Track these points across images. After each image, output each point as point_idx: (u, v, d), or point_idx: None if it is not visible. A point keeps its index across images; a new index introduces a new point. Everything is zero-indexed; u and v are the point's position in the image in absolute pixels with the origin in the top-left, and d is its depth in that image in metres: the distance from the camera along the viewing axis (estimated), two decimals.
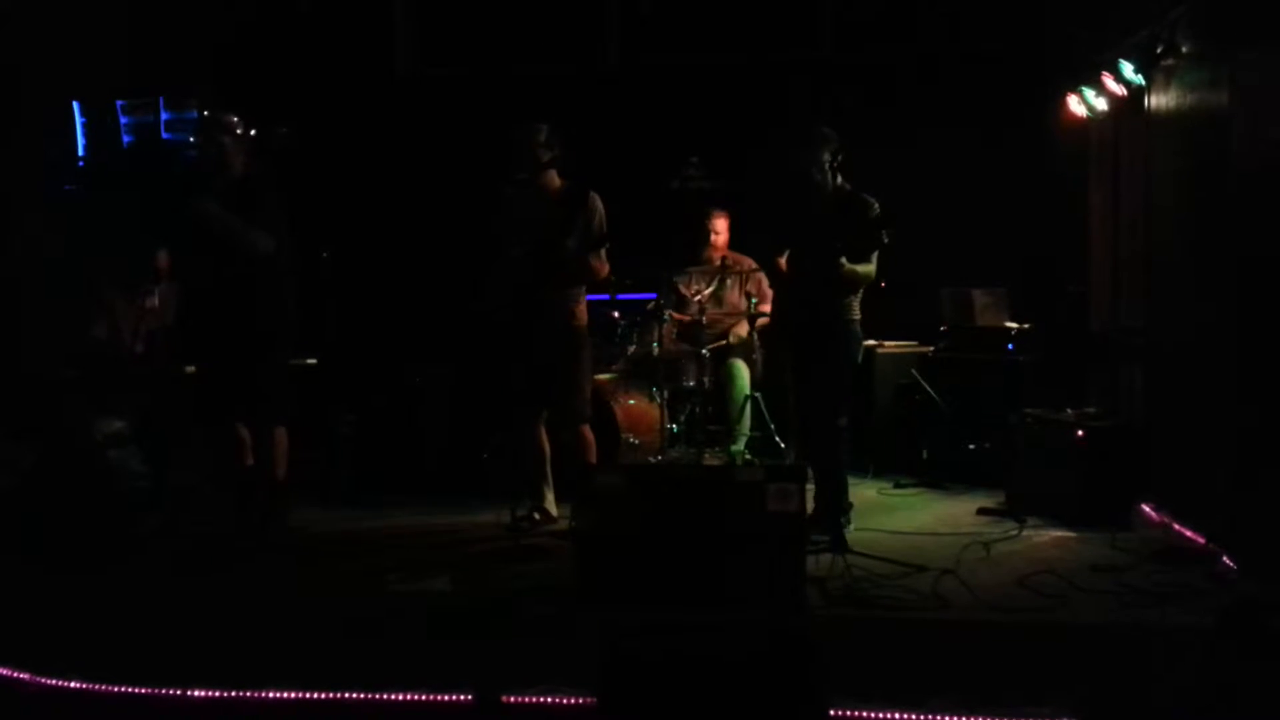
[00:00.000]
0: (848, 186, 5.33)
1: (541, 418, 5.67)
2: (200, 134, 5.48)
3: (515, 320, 5.54)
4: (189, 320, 5.48)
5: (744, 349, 6.79)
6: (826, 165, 5.26)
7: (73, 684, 4.11)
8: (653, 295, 6.61)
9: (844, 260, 5.09)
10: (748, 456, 6.58)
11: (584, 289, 5.64)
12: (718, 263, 6.97)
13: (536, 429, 5.67)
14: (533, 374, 5.54)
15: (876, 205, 5.17)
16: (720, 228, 6.98)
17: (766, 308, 6.71)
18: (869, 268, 5.24)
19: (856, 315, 5.35)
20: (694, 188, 6.13)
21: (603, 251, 5.53)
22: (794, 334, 5.43)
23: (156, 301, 6.42)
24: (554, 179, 5.55)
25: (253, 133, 5.37)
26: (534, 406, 5.64)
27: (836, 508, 5.25)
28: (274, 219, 5.24)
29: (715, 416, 6.71)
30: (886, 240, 5.19)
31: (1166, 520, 5.43)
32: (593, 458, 5.60)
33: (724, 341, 6.80)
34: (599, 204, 5.50)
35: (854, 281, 5.22)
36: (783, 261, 5.41)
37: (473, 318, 6.11)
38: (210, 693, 4.02)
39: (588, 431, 5.64)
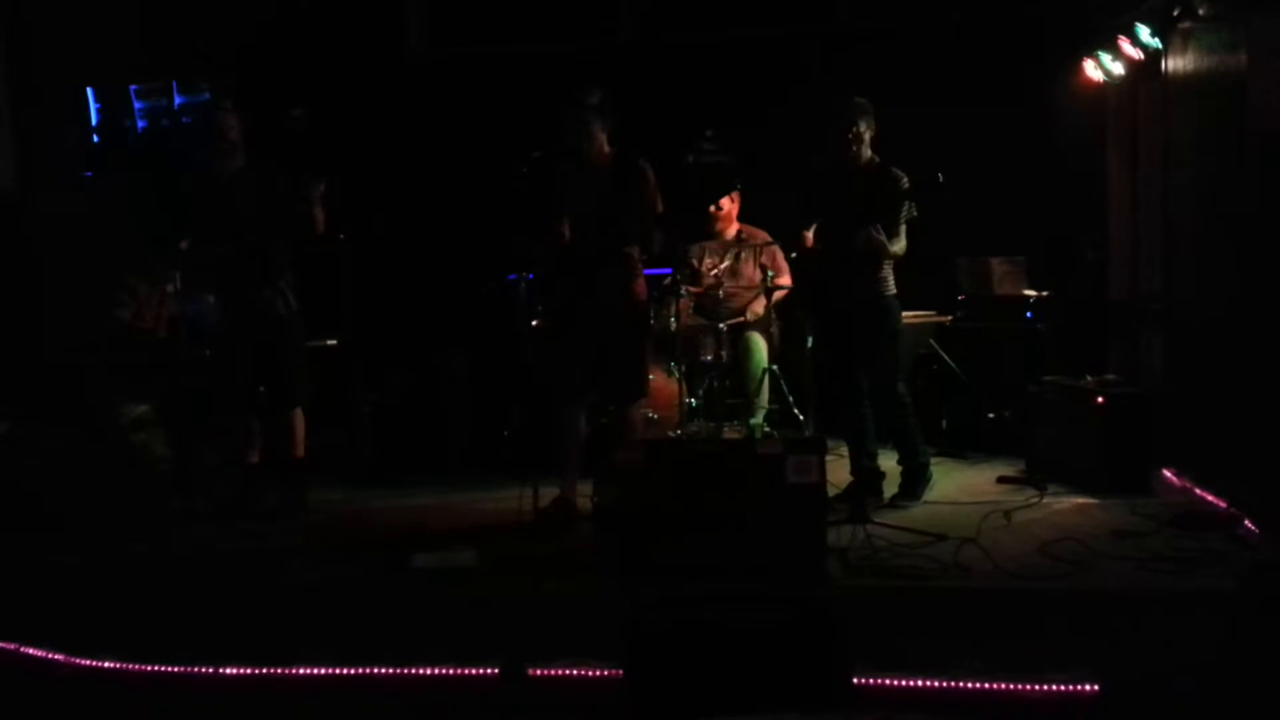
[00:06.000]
0: (878, 159, 5.31)
1: (585, 402, 5.38)
2: (206, 122, 5.60)
3: (567, 297, 5.27)
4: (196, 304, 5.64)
5: (761, 322, 6.79)
6: (862, 135, 5.25)
7: (106, 664, 4.16)
8: (669, 270, 6.60)
9: (874, 231, 5.07)
10: (766, 429, 6.59)
11: (640, 264, 5.37)
12: (729, 236, 6.96)
13: (577, 413, 5.34)
14: (585, 354, 5.22)
15: (906, 180, 5.15)
16: (723, 202, 6.92)
17: (783, 280, 6.71)
18: (900, 242, 5.23)
19: (892, 290, 5.34)
20: (709, 162, 6.10)
21: (657, 221, 5.27)
22: (828, 308, 5.40)
23: (179, 285, 6.45)
24: (604, 149, 5.27)
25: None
26: (581, 388, 5.29)
27: (918, 475, 5.41)
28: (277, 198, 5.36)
29: (733, 390, 6.71)
30: (915, 214, 5.19)
31: (1187, 485, 5.42)
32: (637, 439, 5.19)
33: (742, 318, 6.78)
34: (651, 173, 5.23)
35: (884, 253, 5.20)
36: (809, 235, 5.39)
37: (488, 299, 6.07)
38: (241, 670, 4.07)
39: (635, 412, 5.37)
